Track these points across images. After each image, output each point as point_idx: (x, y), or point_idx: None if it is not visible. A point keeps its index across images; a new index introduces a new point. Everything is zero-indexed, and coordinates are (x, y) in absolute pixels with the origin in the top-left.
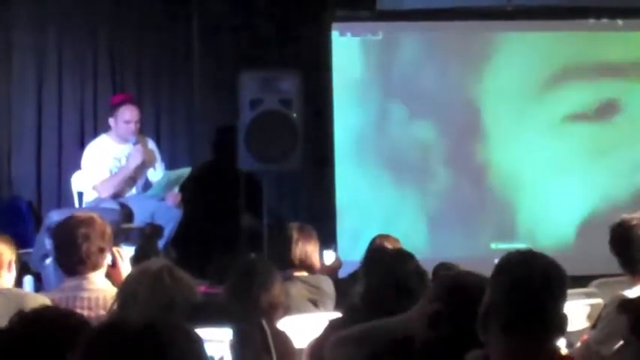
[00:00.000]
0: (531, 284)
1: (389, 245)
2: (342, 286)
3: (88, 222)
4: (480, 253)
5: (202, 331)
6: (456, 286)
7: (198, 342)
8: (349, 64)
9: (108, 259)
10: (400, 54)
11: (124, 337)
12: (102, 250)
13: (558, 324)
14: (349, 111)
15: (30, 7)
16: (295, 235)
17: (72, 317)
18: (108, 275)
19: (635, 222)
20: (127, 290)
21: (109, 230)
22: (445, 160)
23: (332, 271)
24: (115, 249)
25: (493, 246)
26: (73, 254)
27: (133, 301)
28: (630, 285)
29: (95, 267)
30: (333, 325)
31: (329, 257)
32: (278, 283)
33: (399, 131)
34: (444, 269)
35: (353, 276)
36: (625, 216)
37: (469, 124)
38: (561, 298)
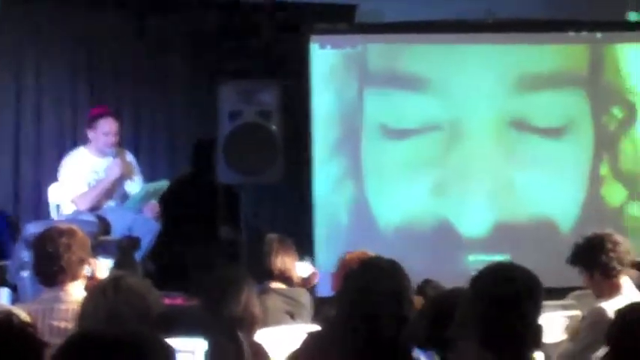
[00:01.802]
0: (508, 297)
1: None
2: (320, 299)
3: (70, 233)
4: (456, 266)
5: (174, 342)
6: None
7: (170, 353)
8: (329, 76)
9: (86, 271)
10: (379, 67)
11: (93, 348)
12: (82, 261)
13: (534, 336)
14: (328, 123)
15: (8, 21)
16: (275, 246)
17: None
18: (86, 287)
19: (604, 234)
20: (82, 305)
21: (88, 242)
22: (423, 171)
23: (308, 284)
24: (93, 261)
25: (471, 258)
26: (54, 263)
27: (84, 317)
28: (607, 297)
29: (74, 277)
30: (312, 338)
31: (304, 269)
32: (254, 294)
33: (378, 144)
34: (430, 287)
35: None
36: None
37: (450, 136)
38: (537, 309)
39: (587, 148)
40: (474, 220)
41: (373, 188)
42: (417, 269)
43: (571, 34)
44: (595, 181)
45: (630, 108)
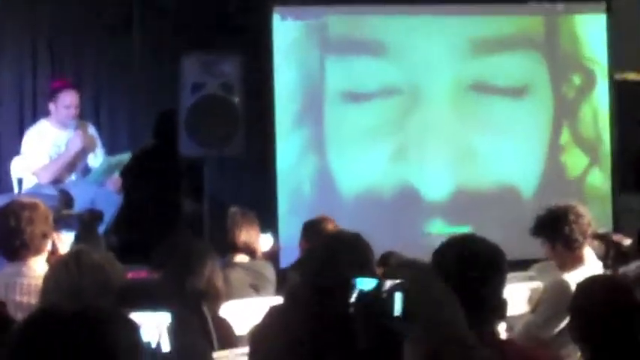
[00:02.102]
0: (472, 269)
1: (327, 226)
2: (283, 270)
3: (32, 206)
4: (418, 234)
5: (138, 316)
6: None
7: (133, 327)
8: (290, 48)
9: (49, 246)
10: (340, 35)
11: (55, 324)
12: (45, 235)
13: (498, 308)
14: (290, 95)
15: None
16: (238, 220)
17: None
18: (48, 262)
19: (567, 206)
20: (44, 280)
21: (51, 216)
22: (384, 137)
23: (271, 256)
24: (55, 235)
25: (433, 228)
26: (17, 237)
27: (46, 291)
28: (569, 268)
29: (37, 251)
30: (275, 311)
31: (266, 241)
32: (217, 268)
33: (340, 114)
34: (392, 259)
35: (293, 267)
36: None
37: (409, 100)
38: (501, 282)
39: (547, 113)
40: (435, 185)
41: (335, 157)
42: (378, 238)
43: (532, 4)
44: (555, 148)
45: (588, 75)
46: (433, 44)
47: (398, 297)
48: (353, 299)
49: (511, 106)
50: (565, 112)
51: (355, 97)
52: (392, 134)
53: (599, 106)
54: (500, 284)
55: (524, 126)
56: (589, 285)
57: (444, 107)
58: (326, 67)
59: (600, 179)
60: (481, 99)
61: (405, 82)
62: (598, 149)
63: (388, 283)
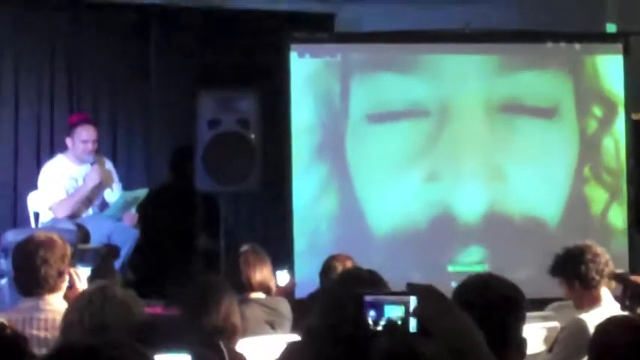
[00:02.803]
0: (492, 309)
1: (340, 265)
2: (299, 307)
3: (48, 244)
4: (437, 275)
5: (159, 357)
6: None
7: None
8: (308, 83)
9: (65, 282)
10: (358, 75)
11: (76, 358)
12: (61, 274)
13: (519, 347)
14: (307, 132)
15: None
16: (250, 258)
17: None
18: (65, 297)
19: (584, 246)
20: (66, 315)
21: (69, 252)
22: (403, 179)
23: (287, 292)
24: (72, 270)
25: (450, 269)
26: (31, 276)
27: (70, 326)
28: (586, 308)
29: (53, 290)
30: (293, 348)
31: (282, 278)
32: (234, 304)
33: (358, 152)
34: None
35: (311, 297)
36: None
37: (428, 142)
38: (521, 321)
39: (573, 139)
40: (469, 208)
41: (362, 186)
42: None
43: (549, 45)
44: (579, 178)
45: (610, 108)
46: (462, 61)
47: (414, 314)
48: (380, 327)
49: (540, 128)
50: (588, 142)
51: (381, 118)
52: (422, 157)
53: (620, 139)
54: (519, 323)
55: (552, 150)
56: (608, 325)
57: (474, 127)
58: (350, 90)
59: (619, 215)
60: (511, 119)
61: (434, 100)
62: (618, 184)
63: (412, 306)
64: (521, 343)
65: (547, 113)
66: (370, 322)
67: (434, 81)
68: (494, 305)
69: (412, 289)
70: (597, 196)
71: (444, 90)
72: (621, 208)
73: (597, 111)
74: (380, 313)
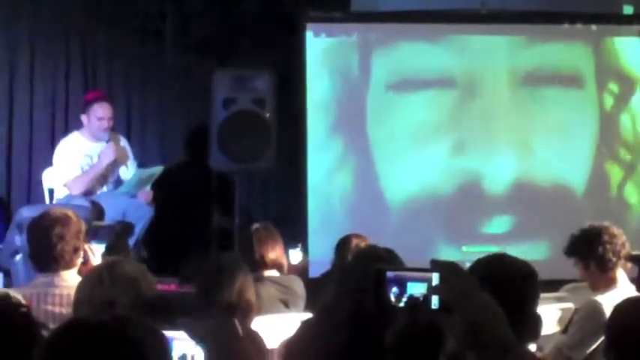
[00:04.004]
0: (507, 286)
1: (356, 244)
2: (312, 286)
3: (64, 221)
4: (451, 255)
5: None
6: None
7: (163, 339)
8: (323, 64)
9: (80, 258)
10: (374, 55)
11: (83, 334)
12: (76, 250)
13: (533, 326)
14: (322, 111)
15: (1, 6)
16: (262, 236)
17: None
18: (80, 272)
19: (601, 227)
20: (77, 292)
21: (83, 228)
22: (419, 158)
23: (300, 271)
24: (87, 246)
25: (464, 249)
26: (47, 253)
27: (80, 303)
28: (602, 290)
29: (68, 265)
30: (306, 325)
31: (295, 256)
32: (249, 281)
33: (372, 131)
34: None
35: (325, 276)
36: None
37: (441, 123)
38: (535, 299)
39: (594, 112)
40: (497, 178)
41: (369, 174)
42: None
43: (566, 26)
44: (601, 149)
45: (628, 85)
46: (479, 40)
47: (437, 291)
48: (402, 304)
49: (563, 98)
50: (607, 117)
51: (402, 88)
52: (446, 128)
53: (637, 117)
54: (534, 301)
55: (575, 122)
56: (625, 307)
57: (500, 97)
58: (368, 64)
59: (634, 192)
60: (534, 90)
61: (457, 72)
62: (635, 160)
63: (435, 283)
64: (537, 322)
65: (570, 81)
66: (392, 298)
67: (455, 54)
68: (508, 282)
69: (435, 265)
70: (614, 170)
71: (465, 63)
72: (636, 185)
73: (615, 88)
74: (402, 290)
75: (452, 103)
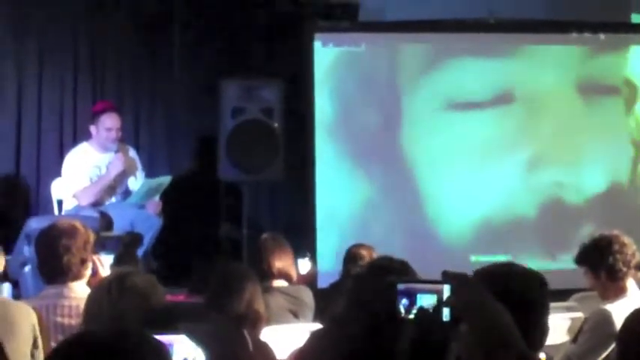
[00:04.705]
0: (515, 294)
1: (366, 255)
2: (321, 296)
3: (70, 232)
4: (459, 265)
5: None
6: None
7: (162, 353)
8: (331, 74)
9: (89, 269)
10: (382, 65)
11: (89, 348)
12: (84, 261)
13: (540, 336)
14: (330, 121)
15: (10, 15)
16: (270, 246)
17: None
18: (89, 284)
19: (611, 236)
20: (86, 305)
21: (92, 239)
22: (427, 172)
23: (308, 281)
24: (95, 257)
25: (473, 259)
26: (54, 264)
27: (90, 315)
28: (612, 299)
29: (76, 277)
30: (316, 336)
31: (304, 266)
32: (258, 292)
33: (381, 142)
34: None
35: (334, 286)
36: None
37: (453, 135)
38: (546, 309)
39: (630, 115)
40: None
41: (378, 186)
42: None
43: (574, 35)
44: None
45: (631, 89)
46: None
47: (447, 303)
48: (412, 316)
49: (609, 105)
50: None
51: (457, 106)
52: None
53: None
54: (544, 310)
55: (619, 126)
56: (638, 316)
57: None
58: (369, 94)
59: None
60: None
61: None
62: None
63: (445, 295)
64: (544, 331)
65: (612, 90)
66: (402, 310)
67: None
68: (516, 291)
69: (446, 277)
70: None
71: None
72: None
73: (626, 92)
74: (412, 302)
75: (515, 119)
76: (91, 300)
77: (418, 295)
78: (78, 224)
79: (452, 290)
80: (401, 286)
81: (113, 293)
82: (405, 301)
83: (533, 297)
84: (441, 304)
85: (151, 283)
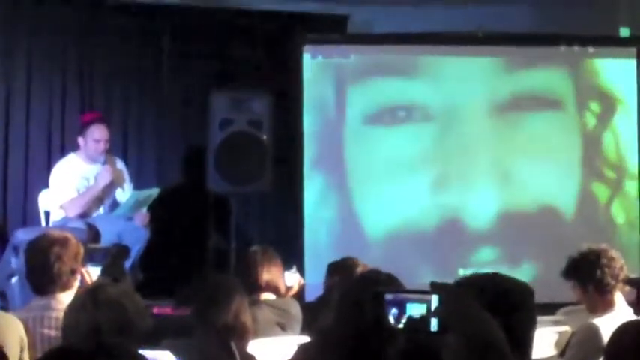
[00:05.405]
0: (498, 303)
1: (352, 268)
2: (308, 309)
3: (63, 242)
4: (448, 278)
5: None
6: None
7: None
8: (320, 86)
9: (77, 281)
10: (370, 77)
11: None
12: (74, 271)
13: (524, 349)
14: (319, 133)
15: None
16: (259, 258)
17: None
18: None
19: (600, 250)
20: (64, 317)
21: (82, 251)
22: (414, 184)
23: (296, 293)
24: (84, 270)
25: (461, 271)
26: (44, 273)
27: (67, 329)
28: (600, 313)
29: (65, 287)
30: (304, 349)
31: (291, 278)
32: (245, 303)
33: (370, 154)
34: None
35: (321, 299)
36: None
37: (440, 147)
38: (531, 321)
39: (577, 133)
40: (479, 212)
41: (360, 195)
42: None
43: (562, 48)
44: (587, 170)
45: (608, 103)
46: (466, 62)
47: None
48: (401, 325)
49: (545, 122)
50: (590, 137)
51: (385, 120)
52: (429, 160)
53: (620, 136)
54: (530, 323)
55: (558, 144)
56: (624, 330)
57: (480, 127)
58: (356, 93)
59: (620, 211)
60: (516, 115)
61: (443, 103)
62: (622, 180)
63: (434, 304)
64: (527, 343)
65: (551, 105)
66: (392, 319)
67: (444, 83)
68: (500, 301)
69: (435, 287)
70: (600, 191)
71: (452, 92)
72: (622, 205)
73: (594, 106)
74: (402, 311)
75: (431, 135)
76: (68, 313)
77: (408, 305)
78: (70, 235)
79: (440, 300)
80: (389, 296)
81: (88, 306)
82: (394, 310)
83: (520, 306)
84: (429, 314)
85: (127, 294)
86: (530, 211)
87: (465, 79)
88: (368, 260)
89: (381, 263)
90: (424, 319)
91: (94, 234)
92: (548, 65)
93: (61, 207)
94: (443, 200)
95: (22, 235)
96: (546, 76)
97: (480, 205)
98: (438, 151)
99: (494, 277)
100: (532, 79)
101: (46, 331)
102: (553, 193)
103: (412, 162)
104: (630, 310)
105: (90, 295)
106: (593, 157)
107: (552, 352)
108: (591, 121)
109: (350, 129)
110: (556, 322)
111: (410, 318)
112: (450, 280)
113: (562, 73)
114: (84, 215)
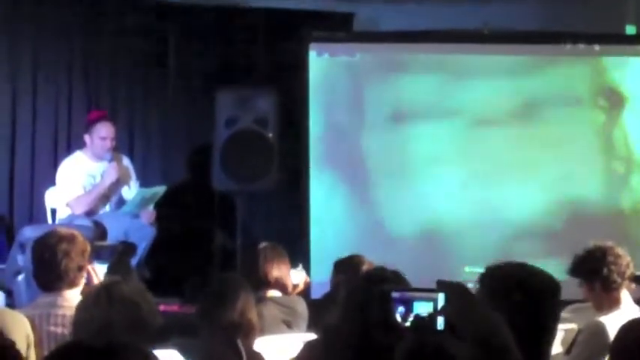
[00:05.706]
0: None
1: (359, 265)
2: (314, 306)
3: (70, 238)
4: (453, 276)
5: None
6: None
7: None
8: (326, 84)
9: (84, 278)
10: (376, 75)
11: (76, 358)
12: (81, 268)
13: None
14: (325, 132)
15: (4, 23)
16: (268, 255)
17: None
18: (83, 293)
19: (606, 247)
20: (76, 313)
21: (89, 248)
22: (420, 182)
23: (302, 291)
24: (90, 267)
25: (467, 269)
26: (52, 270)
27: (79, 325)
28: (606, 310)
29: (72, 284)
30: (310, 346)
31: (298, 276)
32: (251, 301)
33: (375, 152)
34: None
35: (327, 297)
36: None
37: (444, 146)
38: (556, 312)
39: (594, 128)
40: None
41: (372, 196)
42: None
43: (568, 46)
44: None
45: (615, 99)
46: (480, 61)
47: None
48: (408, 324)
49: (566, 118)
50: (603, 134)
51: (400, 119)
52: (449, 159)
53: (627, 129)
54: (555, 313)
55: (578, 140)
56: (631, 328)
57: (501, 125)
58: (367, 90)
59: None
60: (535, 112)
61: (454, 100)
62: (630, 173)
63: (440, 303)
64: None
65: (570, 102)
66: (399, 318)
67: (453, 81)
68: (526, 291)
69: (441, 286)
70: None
71: (475, 90)
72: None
73: (604, 104)
74: (409, 309)
75: (450, 134)
76: (80, 309)
77: (414, 303)
78: (77, 233)
79: (446, 299)
80: (396, 295)
81: (102, 303)
82: (401, 308)
83: (547, 295)
84: (435, 312)
85: (140, 292)
86: (555, 208)
87: (482, 76)
88: (380, 258)
89: (391, 261)
90: (431, 318)
91: (100, 231)
92: (570, 62)
93: (68, 204)
94: (471, 197)
95: (28, 233)
96: (566, 73)
97: (510, 201)
98: (460, 148)
99: (523, 266)
100: (552, 76)
101: (52, 328)
102: (579, 187)
103: (431, 160)
104: (637, 308)
105: (104, 291)
106: (605, 152)
107: (559, 349)
108: (601, 117)
109: (367, 127)
110: (563, 320)
111: (417, 316)
112: (459, 279)
113: (580, 70)
114: (90, 213)
